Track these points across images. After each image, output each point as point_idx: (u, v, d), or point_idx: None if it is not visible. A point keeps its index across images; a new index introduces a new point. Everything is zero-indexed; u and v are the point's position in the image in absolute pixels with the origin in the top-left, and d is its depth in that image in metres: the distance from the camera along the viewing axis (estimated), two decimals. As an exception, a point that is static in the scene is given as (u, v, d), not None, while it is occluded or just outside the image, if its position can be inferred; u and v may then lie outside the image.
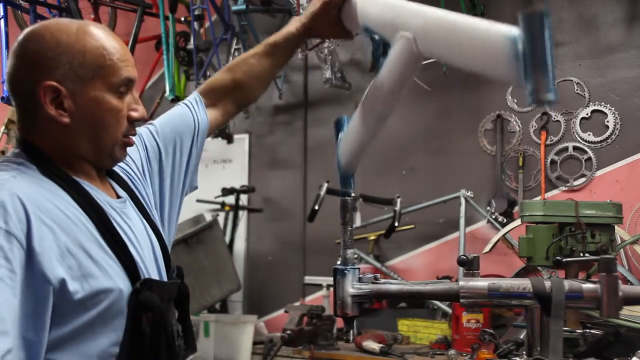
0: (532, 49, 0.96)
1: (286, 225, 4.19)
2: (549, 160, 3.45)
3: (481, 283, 1.27)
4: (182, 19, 4.01)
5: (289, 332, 3.05)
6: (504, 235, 2.93)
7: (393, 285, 1.32)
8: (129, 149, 1.29)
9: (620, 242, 2.83)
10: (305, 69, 4.23)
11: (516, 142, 3.56)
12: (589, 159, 3.36)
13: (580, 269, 1.94)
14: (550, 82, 0.97)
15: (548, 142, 3.46)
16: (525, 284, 1.26)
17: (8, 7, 3.81)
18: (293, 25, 1.49)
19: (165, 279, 1.29)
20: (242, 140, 4.40)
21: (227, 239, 4.12)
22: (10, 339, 0.98)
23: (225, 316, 3.78)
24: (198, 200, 4.22)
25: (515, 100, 3.58)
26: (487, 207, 3.46)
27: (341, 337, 3.25)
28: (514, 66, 0.97)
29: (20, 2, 3.81)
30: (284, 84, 4.20)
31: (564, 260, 1.87)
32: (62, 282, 1.05)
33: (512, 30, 0.97)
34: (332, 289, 1.36)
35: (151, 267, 1.23)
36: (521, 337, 2.21)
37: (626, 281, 2.89)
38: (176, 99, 3.94)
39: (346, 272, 1.30)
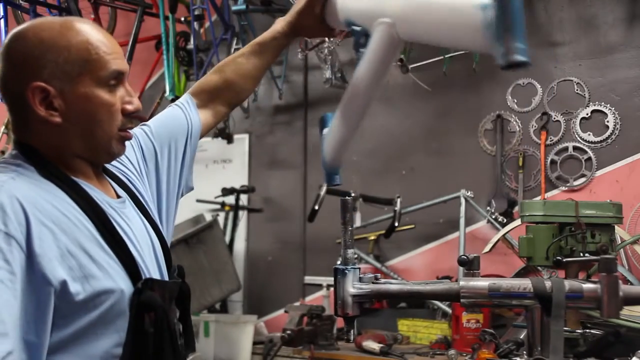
0: (502, 12, 0.99)
1: (286, 225, 4.18)
2: (549, 160, 3.45)
3: (481, 283, 1.27)
4: (182, 19, 4.01)
5: (289, 332, 3.05)
6: (504, 235, 2.93)
7: (393, 285, 1.32)
8: (125, 152, 1.28)
9: (620, 242, 2.83)
10: (305, 69, 4.24)
11: (516, 142, 3.56)
12: (589, 159, 3.36)
13: (580, 269, 1.94)
14: (520, 44, 1.01)
15: (548, 142, 3.46)
16: (525, 284, 1.26)
17: (8, 7, 3.82)
18: (279, 24, 1.51)
19: (166, 278, 1.28)
20: (242, 140, 4.40)
21: (227, 239, 4.12)
22: (11, 340, 0.98)
23: (225, 316, 3.78)
24: (198, 200, 4.22)
25: (516, 100, 3.58)
26: (487, 207, 3.46)
27: (341, 337, 3.24)
28: (486, 33, 1.00)
29: (20, 2, 3.81)
30: (284, 84, 4.20)
31: (564, 260, 1.87)
32: (63, 284, 1.04)
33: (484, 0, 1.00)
34: (332, 289, 1.36)
35: (152, 266, 1.23)
36: (521, 337, 2.21)
37: (626, 281, 2.89)
38: (176, 99, 3.93)
39: (346, 272, 1.30)
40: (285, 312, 3.27)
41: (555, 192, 3.45)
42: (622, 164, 3.29)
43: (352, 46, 1.31)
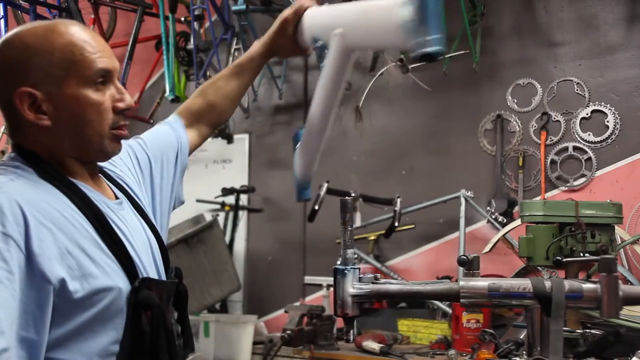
0: (418, 6, 1.07)
1: (286, 225, 4.18)
2: (549, 160, 3.45)
3: (481, 283, 1.27)
4: (182, 19, 4.01)
5: (289, 332, 3.05)
6: (504, 235, 2.93)
7: (393, 285, 1.32)
8: (121, 159, 1.32)
9: (620, 242, 2.83)
10: (305, 69, 4.24)
11: (516, 142, 3.56)
12: (589, 159, 3.36)
13: (580, 269, 1.94)
14: (435, 35, 1.07)
15: (548, 142, 3.46)
16: (525, 284, 1.26)
17: (8, 7, 3.82)
18: (256, 46, 1.58)
19: (164, 279, 1.30)
20: (242, 140, 4.40)
21: (227, 239, 4.12)
22: (7, 338, 0.99)
23: (225, 316, 3.78)
24: (198, 200, 4.22)
25: (516, 100, 3.58)
26: (487, 207, 3.46)
27: (341, 337, 3.24)
28: (404, 28, 1.08)
29: (20, 2, 3.81)
30: (284, 84, 4.21)
31: (564, 260, 1.87)
32: (62, 282, 1.05)
33: None
34: (332, 289, 1.36)
35: (149, 267, 1.24)
36: (521, 337, 2.21)
37: (626, 281, 2.89)
38: (176, 99, 3.94)
39: (346, 272, 1.30)
40: (285, 312, 3.27)
41: (555, 192, 3.45)
42: (622, 164, 3.29)
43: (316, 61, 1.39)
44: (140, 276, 1.18)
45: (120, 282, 1.14)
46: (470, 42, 3.41)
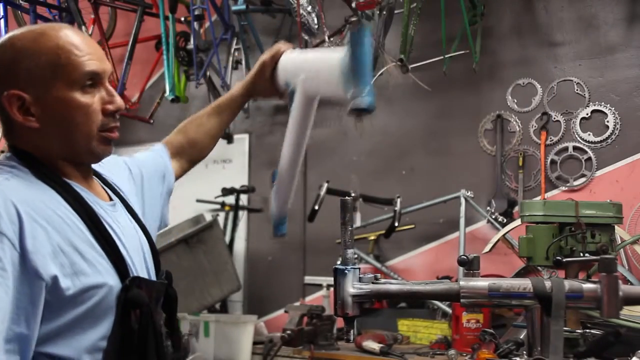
0: (352, 61, 1.13)
1: (286, 225, 4.18)
2: (549, 160, 3.45)
3: (481, 283, 1.27)
4: (182, 19, 4.01)
5: (289, 332, 3.05)
6: (504, 235, 2.93)
7: (393, 285, 1.32)
8: (118, 168, 1.36)
9: (620, 242, 2.83)
10: (305, 69, 4.23)
11: (516, 142, 3.56)
12: (589, 159, 3.36)
13: (580, 269, 1.94)
14: (366, 90, 1.14)
15: (548, 142, 3.46)
16: (525, 284, 1.26)
17: (8, 7, 3.82)
18: (236, 87, 1.68)
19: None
20: (242, 140, 4.39)
21: (227, 239, 4.12)
22: None
23: (225, 316, 3.78)
24: (198, 200, 4.22)
25: (516, 100, 3.58)
26: (487, 207, 3.46)
27: (341, 337, 3.24)
28: (341, 82, 1.16)
29: (20, 2, 3.81)
30: (284, 84, 4.20)
31: (564, 260, 1.87)
32: (55, 279, 1.08)
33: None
34: (332, 289, 1.37)
35: (140, 267, 1.26)
36: (521, 337, 2.21)
37: (626, 281, 2.89)
38: (176, 99, 3.95)
39: (346, 272, 1.30)
40: (285, 312, 3.27)
41: (555, 192, 3.45)
42: (622, 164, 3.29)
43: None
44: (131, 275, 1.20)
45: (111, 280, 1.16)
46: (470, 42, 3.41)
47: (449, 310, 3.19)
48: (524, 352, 1.39)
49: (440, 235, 3.70)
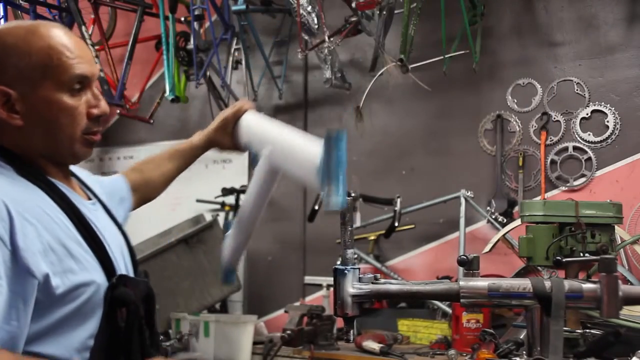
0: (326, 164, 1.20)
1: (286, 225, 4.18)
2: (549, 160, 3.45)
3: (481, 283, 1.28)
4: (182, 19, 4.01)
5: (289, 332, 3.05)
6: (504, 235, 2.93)
7: (393, 285, 1.32)
8: (91, 178, 1.37)
9: (620, 242, 2.82)
10: (305, 69, 4.23)
11: (516, 142, 3.56)
12: (589, 159, 3.36)
13: (580, 269, 1.94)
14: (338, 192, 1.20)
15: (548, 142, 3.46)
16: (525, 284, 1.26)
17: (8, 7, 3.82)
18: (197, 136, 1.71)
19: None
20: (242, 140, 4.39)
21: (227, 239, 4.11)
22: None
23: (225, 316, 3.78)
24: (198, 200, 4.22)
25: (516, 100, 3.58)
26: (487, 207, 3.46)
27: (341, 337, 3.24)
28: (317, 178, 1.22)
29: (20, 2, 3.82)
30: (284, 84, 4.20)
31: (564, 260, 1.87)
32: (46, 277, 1.08)
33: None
34: (332, 289, 1.36)
35: (122, 266, 1.27)
36: (521, 337, 2.21)
37: (626, 281, 2.89)
38: (176, 99, 3.94)
39: (346, 272, 1.30)
40: (285, 312, 3.27)
41: (555, 192, 3.45)
42: (622, 164, 3.29)
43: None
44: (117, 273, 1.21)
45: (98, 277, 1.16)
46: (470, 42, 3.41)
47: (449, 310, 3.19)
48: (524, 352, 1.39)
49: (440, 235, 3.70)
